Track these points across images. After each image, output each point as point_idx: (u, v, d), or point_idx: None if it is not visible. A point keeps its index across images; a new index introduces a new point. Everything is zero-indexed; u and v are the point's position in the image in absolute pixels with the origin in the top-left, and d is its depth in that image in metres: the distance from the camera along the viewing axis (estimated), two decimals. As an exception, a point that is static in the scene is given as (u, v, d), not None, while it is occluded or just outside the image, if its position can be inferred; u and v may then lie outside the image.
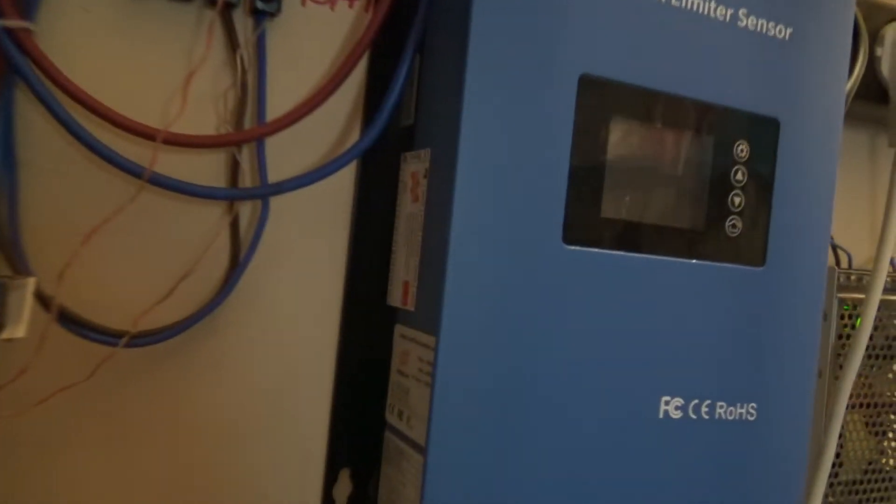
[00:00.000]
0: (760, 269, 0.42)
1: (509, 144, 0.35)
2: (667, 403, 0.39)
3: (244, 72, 0.40)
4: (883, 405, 0.58)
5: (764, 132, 0.42)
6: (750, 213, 0.41)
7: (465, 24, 0.35)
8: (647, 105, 0.38)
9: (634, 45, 0.38)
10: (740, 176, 0.41)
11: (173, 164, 0.38)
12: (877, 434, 0.58)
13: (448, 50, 0.37)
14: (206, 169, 0.40)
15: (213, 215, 0.40)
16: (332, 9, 0.43)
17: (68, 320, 0.35)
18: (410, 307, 0.40)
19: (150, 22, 0.38)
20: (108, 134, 0.36)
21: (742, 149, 0.41)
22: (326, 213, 0.43)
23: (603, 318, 0.37)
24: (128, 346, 0.36)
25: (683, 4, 0.39)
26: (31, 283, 0.29)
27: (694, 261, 0.40)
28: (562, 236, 0.36)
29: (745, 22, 0.41)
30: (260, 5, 0.39)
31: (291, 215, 0.42)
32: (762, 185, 0.42)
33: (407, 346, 0.40)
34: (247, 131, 0.38)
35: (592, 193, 0.37)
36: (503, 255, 0.35)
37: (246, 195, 0.38)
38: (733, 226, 0.41)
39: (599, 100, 0.37)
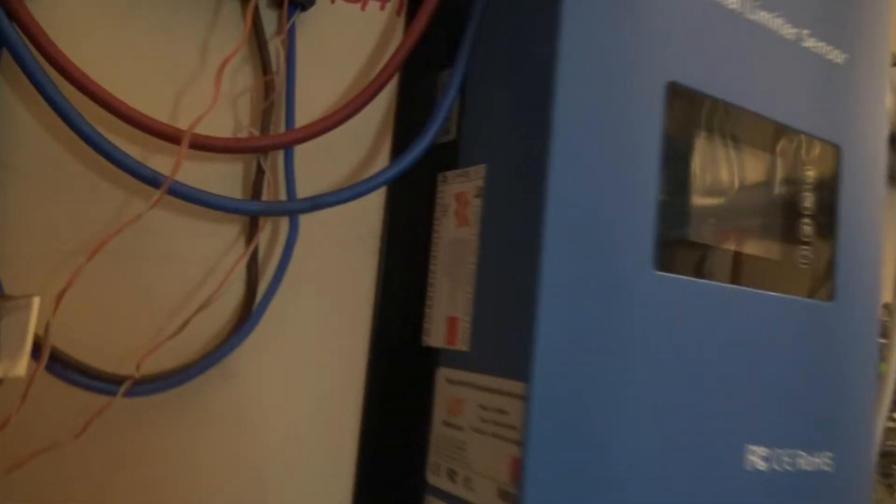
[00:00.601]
0: (830, 303, 0.39)
1: (601, 159, 0.31)
2: (752, 453, 0.35)
3: (268, 70, 0.34)
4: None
5: (827, 158, 0.39)
6: (817, 243, 0.39)
7: (553, 31, 0.31)
8: (727, 121, 0.35)
9: (714, 56, 0.35)
10: (808, 203, 0.38)
11: (180, 172, 0.31)
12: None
13: (520, 59, 0.33)
14: (219, 179, 0.33)
15: (228, 235, 0.33)
16: (362, 8, 0.38)
17: (56, 362, 0.28)
18: (462, 346, 0.34)
19: (160, 7, 0.32)
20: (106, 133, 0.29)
21: (810, 174, 0.38)
22: (353, 238, 0.37)
23: (693, 353, 0.33)
24: (129, 394, 0.29)
25: (757, 18, 0.36)
26: (34, 304, 0.22)
27: (773, 293, 0.36)
28: (653, 262, 0.32)
29: (808, 43, 0.39)
30: (296, -6, 0.33)
31: (314, 239, 0.36)
32: (827, 213, 0.39)
33: (458, 393, 0.34)
34: (278, 136, 0.32)
35: (681, 215, 0.33)
36: (595, 283, 0.30)
37: (281, 210, 0.32)
38: (804, 256, 0.38)
39: (685, 112, 0.33)
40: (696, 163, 0.34)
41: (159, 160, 0.31)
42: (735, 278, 0.35)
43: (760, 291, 0.35)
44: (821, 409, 0.38)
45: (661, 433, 0.32)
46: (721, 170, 0.35)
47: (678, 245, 0.33)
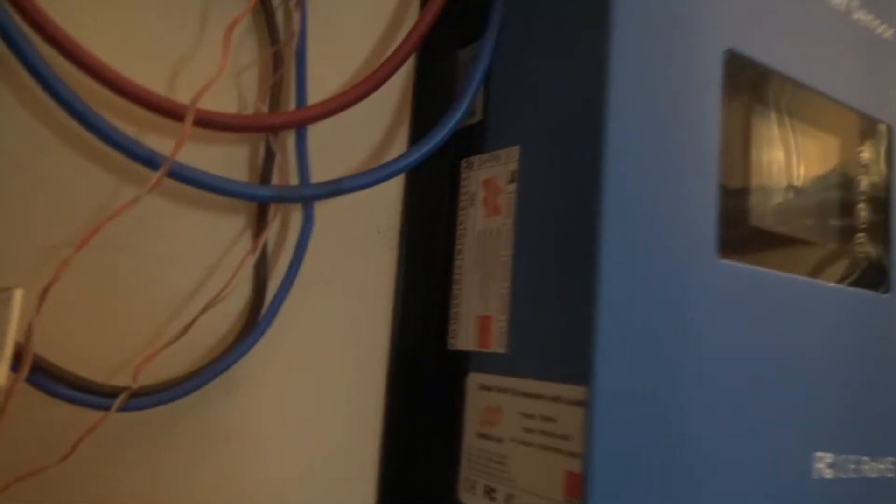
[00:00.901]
0: (887, 296, 0.36)
1: (659, 136, 0.27)
2: (819, 460, 0.31)
3: (276, 40, 0.30)
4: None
5: (879, 138, 0.37)
6: (874, 230, 0.36)
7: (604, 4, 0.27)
8: (783, 95, 0.32)
9: (769, 24, 0.32)
10: (864, 187, 0.35)
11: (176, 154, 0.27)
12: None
13: (564, 31, 0.29)
14: (221, 163, 0.29)
15: (233, 227, 0.29)
16: (376, -23, 0.34)
17: (39, 372, 0.24)
18: (497, 349, 0.31)
19: (153, -31, 0.28)
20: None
21: (864, 156, 0.36)
22: (370, 232, 0.33)
23: (757, 349, 0.30)
24: (125, 408, 0.25)
25: (808, -16, 0.33)
26: (15, 298, 0.18)
27: (833, 284, 0.33)
28: (716, 249, 0.28)
29: (857, 15, 0.36)
30: (308, -46, 0.30)
31: (328, 232, 0.32)
32: (881, 198, 0.36)
33: (495, 401, 0.30)
34: (292, 113, 0.28)
35: (740, 198, 0.30)
36: (656, 273, 0.27)
37: (298, 196, 0.28)
38: (861, 244, 0.35)
39: (743, 84, 0.30)
40: (754, 141, 0.31)
41: (153, 141, 0.28)
42: (796, 267, 0.32)
43: (821, 282, 0.32)
44: (884, 411, 0.35)
45: (728, 436, 0.28)
46: (777, 148, 0.32)
47: (739, 231, 0.30)
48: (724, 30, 0.30)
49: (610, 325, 0.25)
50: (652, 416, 0.26)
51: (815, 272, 0.33)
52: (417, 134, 0.35)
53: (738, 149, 0.30)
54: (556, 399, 0.28)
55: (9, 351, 0.17)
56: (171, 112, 0.25)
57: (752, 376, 0.29)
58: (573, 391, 0.27)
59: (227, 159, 0.30)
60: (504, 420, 0.30)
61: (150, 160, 0.25)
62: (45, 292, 0.21)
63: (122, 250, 0.27)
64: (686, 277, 0.27)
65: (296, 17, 0.30)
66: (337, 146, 0.32)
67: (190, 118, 0.24)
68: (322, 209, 0.31)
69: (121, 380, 0.26)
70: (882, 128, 0.37)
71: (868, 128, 0.36)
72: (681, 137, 0.28)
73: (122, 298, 0.27)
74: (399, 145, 0.34)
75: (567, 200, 0.28)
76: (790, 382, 0.31)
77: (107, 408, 0.24)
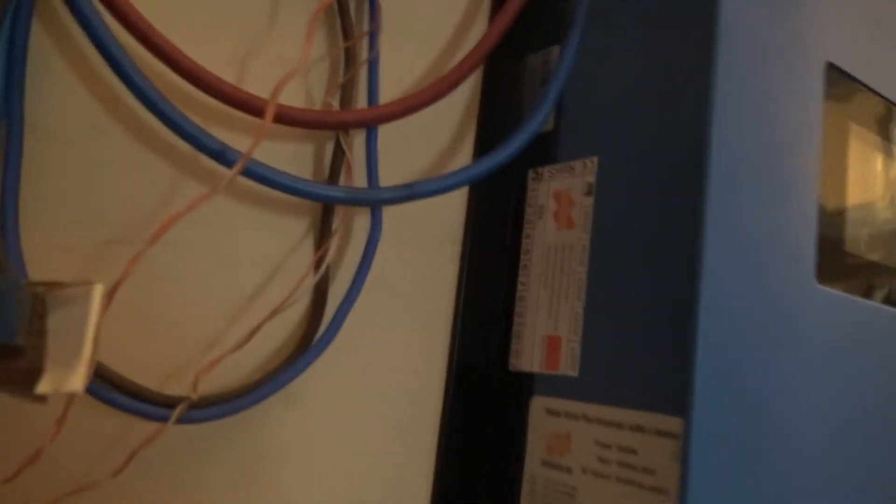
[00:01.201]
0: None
1: (760, 153, 0.26)
2: (903, 505, 0.29)
3: (350, 35, 0.28)
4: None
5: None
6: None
7: (710, 9, 0.26)
8: (880, 117, 0.30)
9: (868, 40, 0.30)
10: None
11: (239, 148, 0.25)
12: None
13: (659, 39, 0.28)
14: (287, 161, 0.27)
15: (295, 229, 0.28)
16: (448, -24, 0.33)
17: (97, 379, 0.22)
18: (567, 371, 0.29)
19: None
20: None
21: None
22: (432, 242, 0.31)
23: (852, 381, 0.28)
24: (182, 420, 0.23)
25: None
26: (94, 294, 0.16)
27: (920, 318, 0.31)
28: (815, 273, 0.27)
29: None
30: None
31: (391, 241, 0.30)
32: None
33: (564, 427, 0.29)
34: (367, 111, 0.26)
35: (839, 222, 0.28)
36: (756, 297, 0.25)
37: (372, 199, 0.26)
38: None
39: (842, 100, 0.29)
40: (852, 160, 0.29)
41: (217, 133, 0.26)
42: (887, 296, 0.30)
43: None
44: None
45: (823, 468, 0.27)
46: (873, 170, 0.30)
47: (837, 256, 0.28)
48: (825, 44, 0.28)
49: (709, 353, 0.24)
50: (747, 449, 0.24)
51: (901, 304, 0.31)
52: (484, 139, 0.33)
53: (836, 171, 0.28)
54: (637, 429, 0.26)
55: (88, 352, 0.15)
56: (246, 105, 0.23)
57: (847, 409, 0.27)
58: (660, 420, 0.25)
59: (293, 157, 0.28)
60: (575, 448, 0.28)
61: (220, 154, 0.23)
62: (114, 290, 0.19)
63: (180, 247, 0.25)
64: (785, 303, 0.26)
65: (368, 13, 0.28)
66: (403, 149, 0.31)
67: (270, 114, 0.22)
68: (386, 216, 0.30)
69: (173, 388, 0.24)
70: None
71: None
72: (782, 154, 0.26)
73: (179, 299, 0.25)
74: (465, 150, 0.33)
75: (659, 220, 0.26)
76: (883, 418, 0.29)
77: (164, 419, 0.22)
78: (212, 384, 0.26)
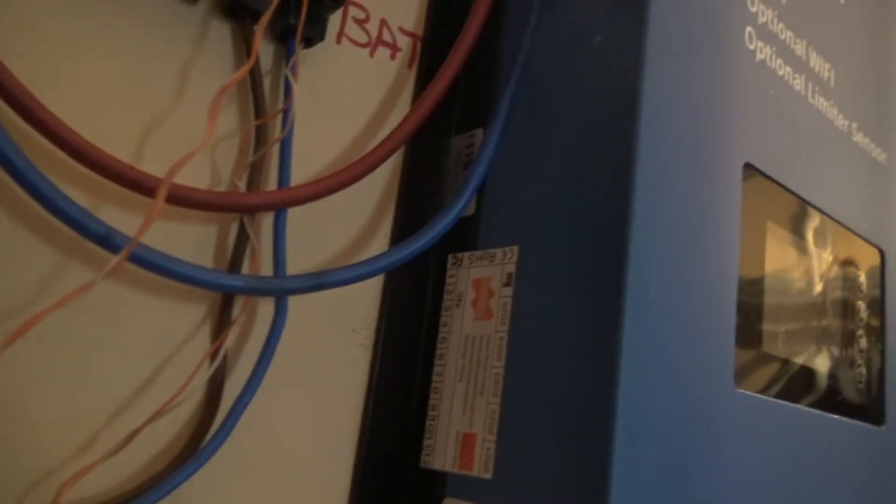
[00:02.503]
0: (880, 429, 0.34)
1: (681, 251, 0.25)
2: None
3: (262, 112, 0.27)
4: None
5: (874, 263, 0.36)
6: (870, 360, 0.34)
7: (632, 108, 0.25)
8: (793, 214, 0.31)
9: (782, 141, 0.30)
10: (862, 314, 0.34)
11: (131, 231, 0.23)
12: None
13: (583, 130, 0.27)
14: (184, 245, 0.25)
15: (190, 318, 0.25)
16: (370, 55, 0.32)
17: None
18: (481, 473, 0.27)
19: (129, 21, 0.25)
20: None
21: (861, 282, 0.34)
22: (343, 330, 0.30)
23: (770, 482, 0.27)
24: (41, 541, 0.20)
25: (817, 104, 0.32)
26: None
27: (836, 416, 0.31)
28: (733, 377, 0.26)
29: (856, 137, 0.35)
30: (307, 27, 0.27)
31: (296, 330, 0.28)
32: (877, 326, 0.35)
33: (476, 534, 0.27)
34: (276, 193, 0.25)
35: (756, 323, 0.28)
36: (675, 400, 0.24)
37: (277, 288, 0.24)
38: (860, 374, 0.33)
39: (759, 200, 0.29)
40: (769, 259, 0.29)
41: (109, 212, 0.24)
42: (803, 397, 0.30)
43: (826, 415, 0.30)
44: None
45: None
46: (786, 270, 0.30)
47: (753, 358, 0.28)
48: (743, 145, 0.28)
49: (627, 462, 0.22)
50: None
51: (816, 402, 0.31)
52: (403, 223, 0.32)
53: (752, 268, 0.28)
54: (555, 541, 0.24)
55: None
56: (138, 185, 0.21)
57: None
58: (578, 535, 0.23)
59: (194, 240, 0.26)
60: (488, 559, 0.26)
61: (105, 239, 0.21)
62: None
63: (55, 340, 0.23)
64: (704, 407, 0.25)
65: (293, 83, 0.27)
66: (314, 233, 0.29)
67: (162, 195, 0.20)
68: (292, 301, 0.28)
69: (38, 501, 0.22)
70: (876, 252, 0.36)
71: (865, 252, 0.35)
72: (702, 257, 0.26)
73: (48, 397, 0.22)
74: (383, 233, 0.31)
75: (577, 317, 0.25)
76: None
77: (18, 540, 0.20)
78: (86, 493, 0.23)
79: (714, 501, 0.25)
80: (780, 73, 0.31)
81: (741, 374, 0.26)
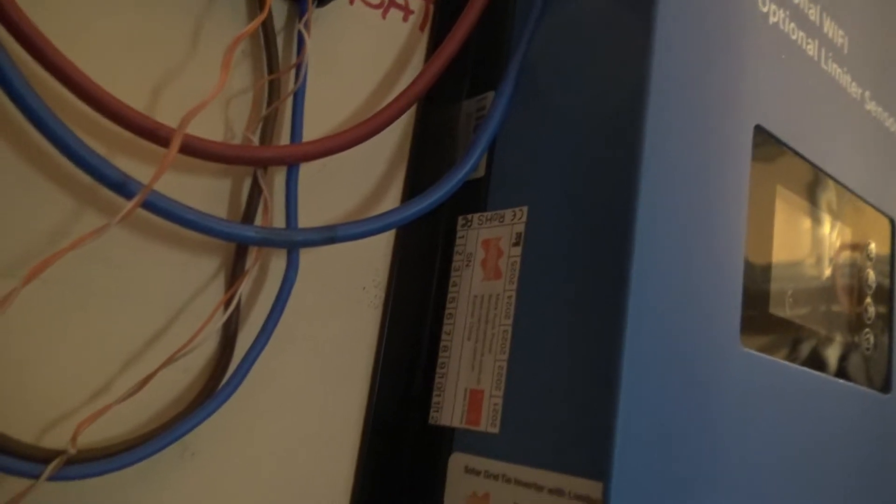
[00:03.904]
0: (887, 396, 0.34)
1: (688, 211, 0.25)
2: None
3: (274, 68, 0.27)
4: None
5: (884, 231, 0.35)
6: (879, 327, 0.34)
7: (642, 66, 0.25)
8: (804, 180, 0.31)
9: (796, 106, 0.30)
10: (871, 281, 0.34)
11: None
12: None
13: (593, 95, 0.27)
14: (199, 196, 0.26)
15: (204, 269, 0.26)
16: (383, 16, 0.32)
17: (-43, 427, 0.19)
18: (488, 428, 0.27)
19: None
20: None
21: (871, 249, 0.34)
22: (354, 288, 0.30)
23: (775, 444, 0.27)
24: (56, 477, 0.21)
25: (830, 70, 0.32)
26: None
27: (842, 381, 0.31)
28: (739, 336, 0.26)
29: (869, 106, 0.35)
30: (317, -20, 0.27)
31: (308, 285, 0.28)
32: (885, 294, 0.35)
33: (482, 487, 0.27)
34: (287, 147, 0.25)
35: (763, 284, 0.28)
36: (680, 359, 0.24)
37: (288, 240, 0.24)
38: (868, 340, 0.33)
39: (769, 163, 0.29)
40: (778, 223, 0.29)
41: (122, 163, 0.24)
42: (809, 361, 0.30)
43: (832, 378, 0.30)
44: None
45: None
46: (795, 234, 0.30)
47: (760, 319, 0.28)
48: (755, 107, 0.28)
49: (630, 416, 0.23)
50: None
51: (822, 365, 0.31)
52: (414, 183, 0.32)
53: (761, 230, 0.28)
54: (557, 492, 0.24)
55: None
56: (153, 134, 0.22)
57: (769, 473, 0.27)
58: (581, 485, 0.24)
59: (209, 192, 0.26)
60: (493, 511, 0.27)
61: (121, 186, 0.21)
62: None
63: (71, 285, 0.23)
64: (709, 366, 0.25)
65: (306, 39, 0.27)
66: (326, 189, 0.29)
67: (177, 144, 0.21)
68: (305, 258, 0.28)
69: (53, 441, 0.22)
70: (886, 222, 0.36)
71: (876, 221, 0.35)
72: (710, 217, 0.26)
73: (66, 341, 0.23)
74: (394, 193, 0.31)
75: (584, 276, 0.25)
76: (808, 483, 0.28)
77: (35, 475, 0.20)
78: (99, 436, 0.23)
79: (716, 453, 0.25)
80: (794, 37, 0.31)
81: (747, 334, 0.27)
